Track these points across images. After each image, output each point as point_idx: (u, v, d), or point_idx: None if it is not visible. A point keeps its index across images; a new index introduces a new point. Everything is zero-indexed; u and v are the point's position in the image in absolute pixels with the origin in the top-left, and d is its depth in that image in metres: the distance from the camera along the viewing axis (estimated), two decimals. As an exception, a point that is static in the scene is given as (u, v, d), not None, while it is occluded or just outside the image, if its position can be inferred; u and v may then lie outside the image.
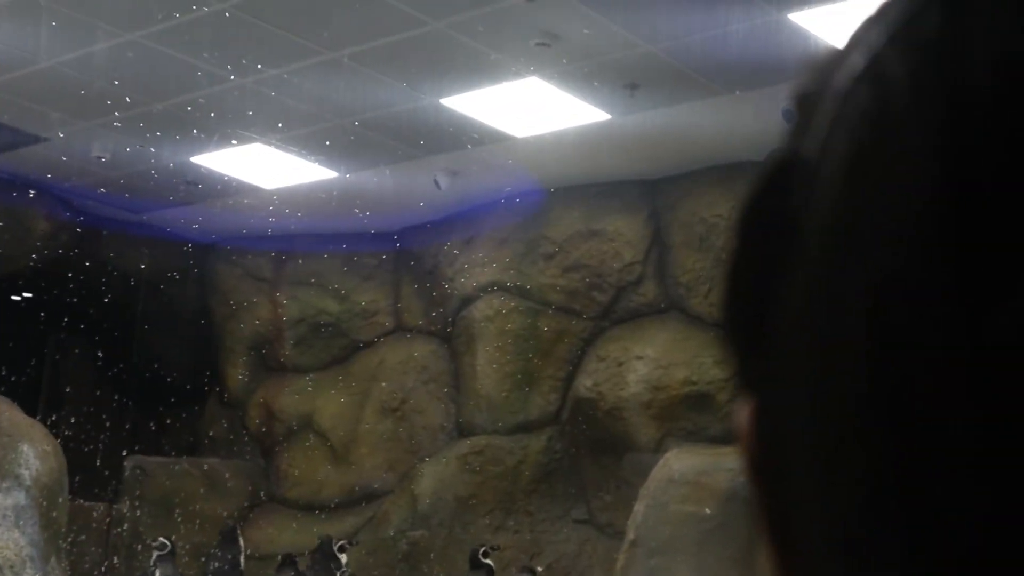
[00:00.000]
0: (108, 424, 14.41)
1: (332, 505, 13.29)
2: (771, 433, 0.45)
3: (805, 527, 0.44)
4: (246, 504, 13.82)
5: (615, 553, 10.37)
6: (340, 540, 11.94)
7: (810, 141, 0.45)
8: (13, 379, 13.46)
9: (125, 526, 13.37)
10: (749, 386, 0.47)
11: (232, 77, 9.71)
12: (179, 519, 13.28)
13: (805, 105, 0.48)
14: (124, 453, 13.92)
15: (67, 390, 14.85)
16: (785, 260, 0.44)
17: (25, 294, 14.18)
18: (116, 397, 14.82)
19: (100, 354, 14.85)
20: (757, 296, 0.45)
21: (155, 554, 12.27)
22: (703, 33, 8.62)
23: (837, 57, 0.46)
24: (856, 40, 0.46)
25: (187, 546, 13.00)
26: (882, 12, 0.44)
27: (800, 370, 0.43)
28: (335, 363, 13.90)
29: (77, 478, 13.05)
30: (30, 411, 13.12)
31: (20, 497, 11.95)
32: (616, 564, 9.94)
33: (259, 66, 9.48)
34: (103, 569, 13.18)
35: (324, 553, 11.91)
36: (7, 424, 12.41)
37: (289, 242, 13.85)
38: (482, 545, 11.37)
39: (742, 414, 0.48)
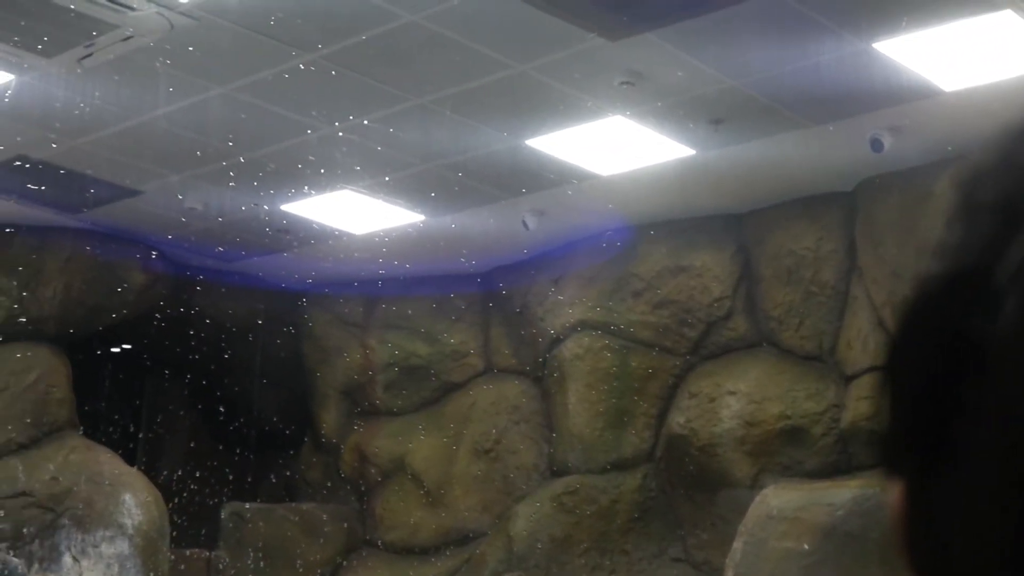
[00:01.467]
0: (205, 472, 14.59)
1: (428, 548, 13.31)
2: (948, 528, 0.47)
3: None
4: (343, 548, 13.89)
5: (714, 591, 10.29)
6: None
7: (1008, 258, 0.45)
8: (112, 429, 13.72)
9: (226, 573, 13.50)
10: (903, 472, 0.49)
11: (320, 126, 9.86)
12: (279, 564, 13.38)
13: (980, 211, 0.47)
14: (221, 500, 14.08)
15: (164, 439, 15.07)
16: (977, 375, 0.45)
17: (124, 345, 14.44)
18: (214, 445, 15.01)
19: (196, 402, 15.07)
20: (937, 403, 0.46)
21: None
22: (786, 66, 8.60)
23: (1018, 158, 0.46)
24: None
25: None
26: None
27: (994, 480, 0.44)
28: (427, 405, 13.95)
29: (176, 526, 13.23)
30: (129, 460, 13.35)
31: (123, 546, 12.13)
32: (716, 602, 9.86)
33: (349, 116, 9.62)
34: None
35: None
36: (109, 474, 12.62)
37: (378, 287, 13.97)
38: None
39: (894, 495, 0.50)
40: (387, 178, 10.91)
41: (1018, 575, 0.42)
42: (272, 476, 14.78)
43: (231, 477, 14.58)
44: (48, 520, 12.33)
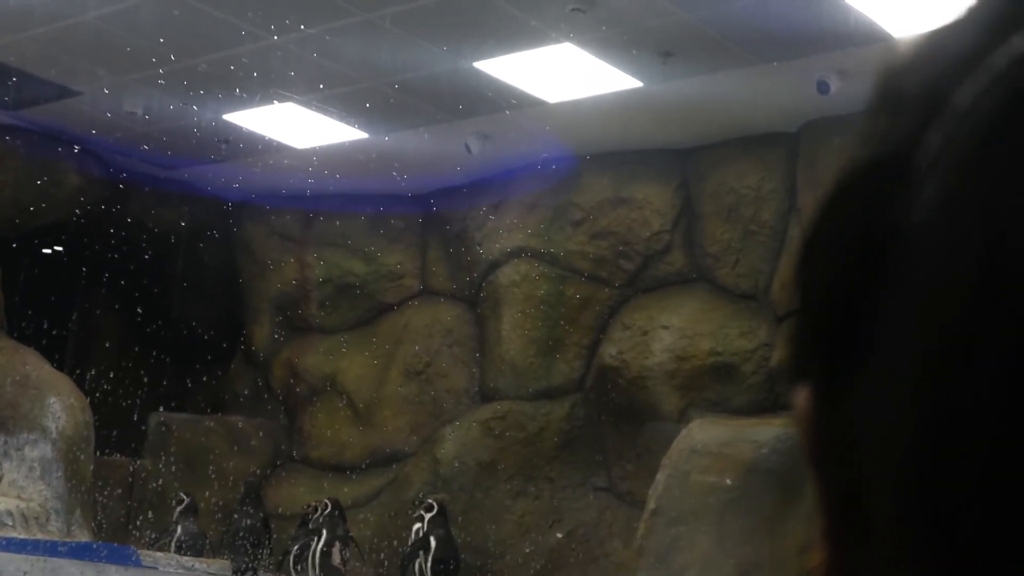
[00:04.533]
0: (134, 380, 14.48)
1: (354, 467, 13.35)
2: (853, 426, 0.46)
3: (879, 511, 0.44)
4: (269, 463, 13.90)
5: (635, 522, 10.40)
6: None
7: (927, 145, 0.43)
8: (41, 332, 13.55)
9: (149, 481, 13.47)
10: (808, 376, 0.48)
11: (258, 32, 9.69)
12: (203, 476, 13.37)
13: (901, 102, 0.46)
14: (145, 408, 14.01)
15: (93, 345, 14.94)
16: (891, 265, 0.44)
17: (55, 247, 14.26)
18: (142, 353, 14.90)
19: (127, 309, 14.92)
20: (847, 299, 0.45)
21: (177, 509, 12.35)
22: (738, 2, 8.56)
23: (942, 50, 0.45)
24: (977, 33, 0.44)
25: (216, 501, 13.09)
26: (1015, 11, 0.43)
27: (908, 377, 0.43)
28: (361, 324, 13.92)
29: (102, 433, 13.14)
30: (57, 365, 13.21)
31: (46, 449, 12.04)
32: (636, 533, 9.96)
33: (287, 23, 9.45)
34: (126, 523, 13.28)
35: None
36: (34, 377, 12.49)
37: (318, 203, 13.86)
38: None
39: (800, 397, 0.49)
40: (327, 91, 10.77)
41: (919, 480, 0.42)
42: (200, 387, 14.71)
43: (157, 385, 14.49)
44: (-29, 420, 12.20)
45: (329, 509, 11.62)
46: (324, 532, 11.40)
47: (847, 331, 0.45)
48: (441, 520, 11.46)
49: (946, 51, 0.45)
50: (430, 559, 11.18)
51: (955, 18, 0.47)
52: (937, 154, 0.43)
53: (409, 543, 11.52)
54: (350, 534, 11.57)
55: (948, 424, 0.41)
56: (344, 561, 11.34)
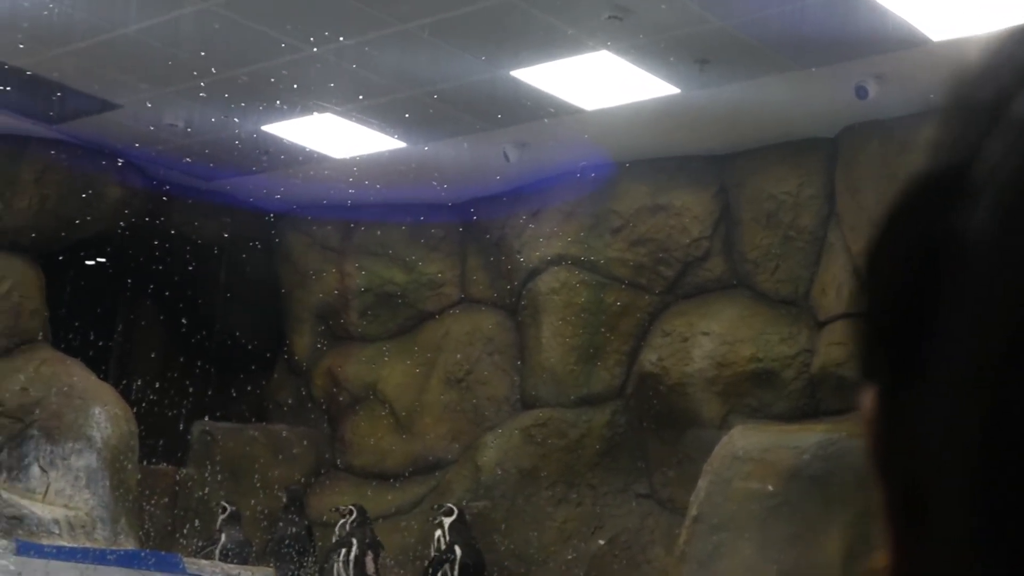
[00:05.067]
0: (177, 389, 14.59)
1: (395, 474, 13.39)
2: (918, 427, 0.47)
3: (945, 511, 0.46)
4: (312, 471, 13.96)
5: (677, 529, 10.38)
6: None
7: (987, 154, 0.44)
8: (86, 343, 13.68)
9: (194, 490, 13.56)
10: (877, 378, 0.49)
11: (305, 48, 9.76)
12: (247, 484, 13.44)
13: (969, 110, 0.47)
14: (188, 417, 14.10)
15: (137, 355, 15.06)
16: (953, 272, 0.45)
17: (99, 259, 14.38)
18: (186, 363, 15.01)
19: (169, 320, 15.04)
20: (911, 305, 0.46)
21: (220, 518, 12.44)
22: (774, 8, 8.54)
23: (1010, 58, 0.46)
24: None
25: (261, 509, 13.17)
26: None
27: (971, 379, 0.44)
28: (401, 333, 13.97)
29: (148, 442, 13.26)
30: (102, 375, 13.34)
31: (91, 459, 12.15)
32: (678, 540, 9.94)
33: (326, 35, 9.51)
34: (173, 531, 13.38)
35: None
36: (80, 387, 12.62)
37: (358, 212, 13.92)
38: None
39: (866, 400, 0.50)
40: (366, 102, 10.82)
41: (982, 481, 0.43)
42: (242, 396, 14.80)
43: (200, 395, 14.59)
44: (17, 430, 12.34)
45: (355, 516, 11.64)
46: (355, 541, 11.43)
47: (912, 335, 0.47)
48: (461, 526, 11.47)
49: (1013, 59, 0.46)
50: (456, 567, 11.18)
51: None
52: (996, 164, 0.44)
53: (432, 550, 11.51)
54: (378, 540, 11.59)
55: (1011, 425, 0.43)
56: (377, 569, 11.37)
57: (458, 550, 11.23)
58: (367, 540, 11.48)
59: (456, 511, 11.52)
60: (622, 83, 10.03)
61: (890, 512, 0.49)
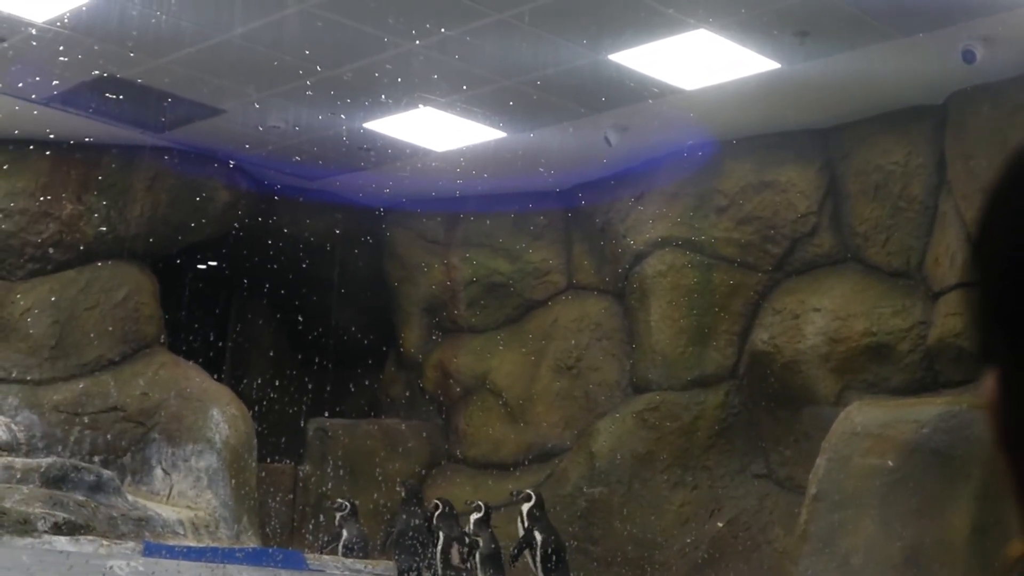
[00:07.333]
0: (293, 387, 14.81)
1: (510, 463, 13.44)
2: None
3: None
4: (428, 463, 14.07)
5: (796, 508, 10.28)
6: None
7: None
8: (202, 346, 13.94)
9: (314, 487, 13.74)
10: (996, 361, 0.48)
11: (407, 42, 9.82)
12: (365, 479, 13.59)
13: None
14: (303, 413, 14.30)
15: (252, 355, 15.30)
16: None
17: (212, 262, 14.63)
18: (302, 361, 15.22)
19: (283, 319, 15.26)
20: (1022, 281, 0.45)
21: (338, 515, 12.59)
22: (877, -25, 8.41)
23: None
24: None
25: (383, 503, 13.30)
26: None
27: None
28: (509, 322, 14.01)
29: (269, 440, 13.47)
30: (218, 377, 13.59)
31: (212, 460, 12.37)
32: (798, 519, 9.85)
33: (427, 28, 9.57)
34: (295, 528, 13.58)
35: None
36: (197, 389, 12.85)
37: (461, 204, 14.00)
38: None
39: (988, 383, 0.49)
40: (469, 92, 10.87)
41: None
42: (355, 391, 14.96)
43: (319, 392, 14.79)
44: (139, 434, 12.61)
45: (441, 509, 11.71)
46: (441, 534, 11.51)
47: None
48: (539, 512, 11.45)
49: None
50: (538, 555, 11.18)
51: None
52: None
53: (520, 534, 11.48)
54: (465, 531, 11.64)
55: None
56: (464, 559, 11.42)
57: (538, 535, 11.23)
58: (454, 532, 11.55)
59: (534, 496, 11.51)
60: (722, 61, 9.95)
61: (1022, 499, 0.48)
